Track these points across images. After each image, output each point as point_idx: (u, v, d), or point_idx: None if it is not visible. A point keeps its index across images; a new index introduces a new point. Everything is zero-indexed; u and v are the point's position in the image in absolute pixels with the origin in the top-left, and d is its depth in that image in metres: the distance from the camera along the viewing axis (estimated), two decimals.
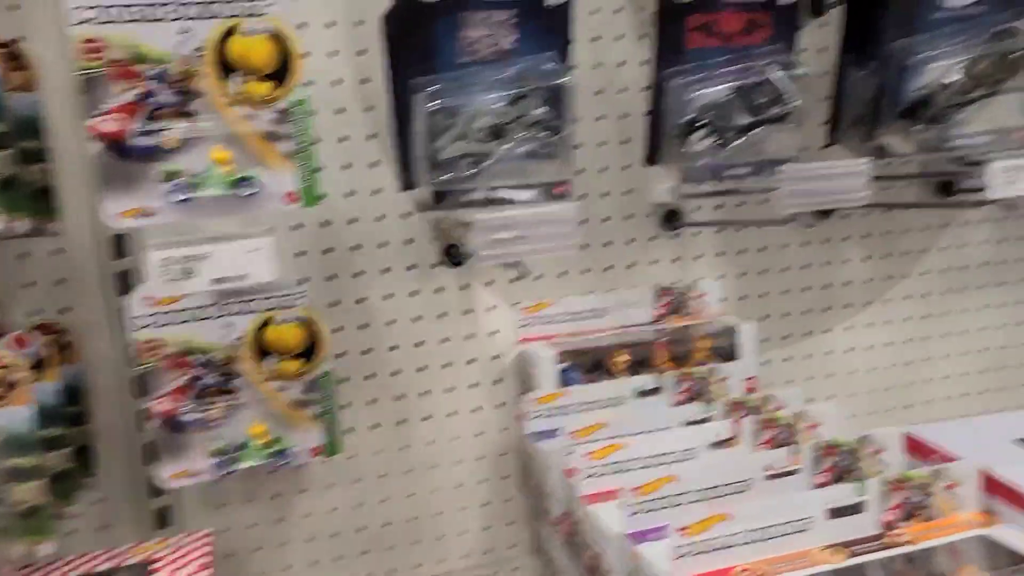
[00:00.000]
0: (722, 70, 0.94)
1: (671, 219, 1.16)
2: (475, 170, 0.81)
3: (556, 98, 0.82)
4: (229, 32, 0.73)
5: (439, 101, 0.79)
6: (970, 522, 0.72)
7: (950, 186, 1.26)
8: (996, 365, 1.35)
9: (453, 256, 1.05)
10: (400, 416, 1.11)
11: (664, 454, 0.89)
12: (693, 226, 1.17)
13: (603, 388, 1.07)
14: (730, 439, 0.92)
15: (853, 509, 0.71)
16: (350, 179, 1.04)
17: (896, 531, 0.72)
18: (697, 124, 0.94)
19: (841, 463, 0.81)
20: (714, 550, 0.68)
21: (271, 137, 0.76)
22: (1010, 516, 0.73)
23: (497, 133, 0.81)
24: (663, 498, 0.76)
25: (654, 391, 1.08)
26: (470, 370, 1.14)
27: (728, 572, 0.67)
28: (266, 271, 0.75)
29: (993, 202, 0.89)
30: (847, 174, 0.84)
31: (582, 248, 1.15)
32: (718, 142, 0.94)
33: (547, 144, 0.83)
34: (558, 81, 0.82)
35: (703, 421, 0.98)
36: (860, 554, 0.69)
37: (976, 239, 1.31)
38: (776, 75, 0.94)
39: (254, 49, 0.74)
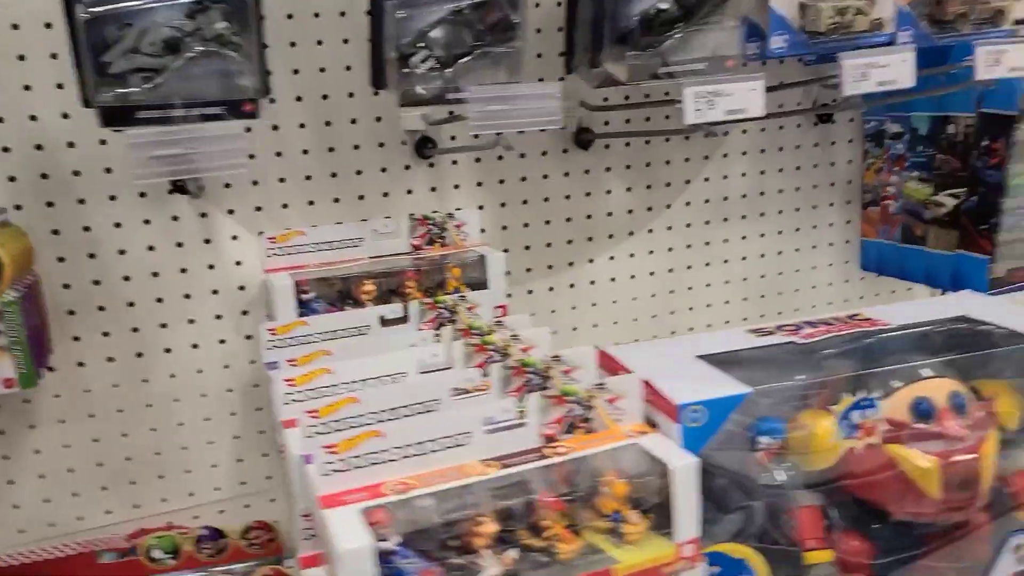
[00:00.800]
0: None
1: (423, 147, 1.15)
2: (149, 85, 0.77)
3: (239, 13, 0.79)
4: None
5: (103, 7, 0.74)
6: (628, 433, 0.75)
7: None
8: (756, 293, 1.41)
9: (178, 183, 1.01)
10: (137, 348, 1.08)
11: (371, 379, 0.89)
12: (446, 153, 1.17)
13: (344, 317, 1.06)
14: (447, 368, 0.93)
15: (515, 424, 0.73)
16: (66, 100, 0.98)
17: (555, 444, 0.74)
18: (415, 46, 0.93)
19: (532, 382, 0.83)
20: (366, 466, 0.69)
21: None
22: (665, 425, 0.76)
23: (172, 47, 0.77)
24: (338, 420, 0.76)
25: (400, 320, 1.08)
26: (214, 301, 1.11)
27: (378, 487, 0.68)
28: None
29: (694, 128, 0.91)
30: (537, 96, 0.84)
31: (332, 176, 1.13)
32: (437, 66, 0.93)
33: (235, 61, 0.79)
34: None
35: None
36: (513, 465, 0.71)
37: (736, 171, 1.35)
38: None
39: None
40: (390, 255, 1.16)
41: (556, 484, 0.72)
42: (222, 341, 1.12)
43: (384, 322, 1.08)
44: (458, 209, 1.20)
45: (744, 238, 1.38)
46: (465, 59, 0.93)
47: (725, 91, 0.89)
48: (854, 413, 0.81)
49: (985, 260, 1.21)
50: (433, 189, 1.18)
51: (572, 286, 1.29)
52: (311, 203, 1.12)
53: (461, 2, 0.92)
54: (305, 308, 1.08)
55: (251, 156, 1.08)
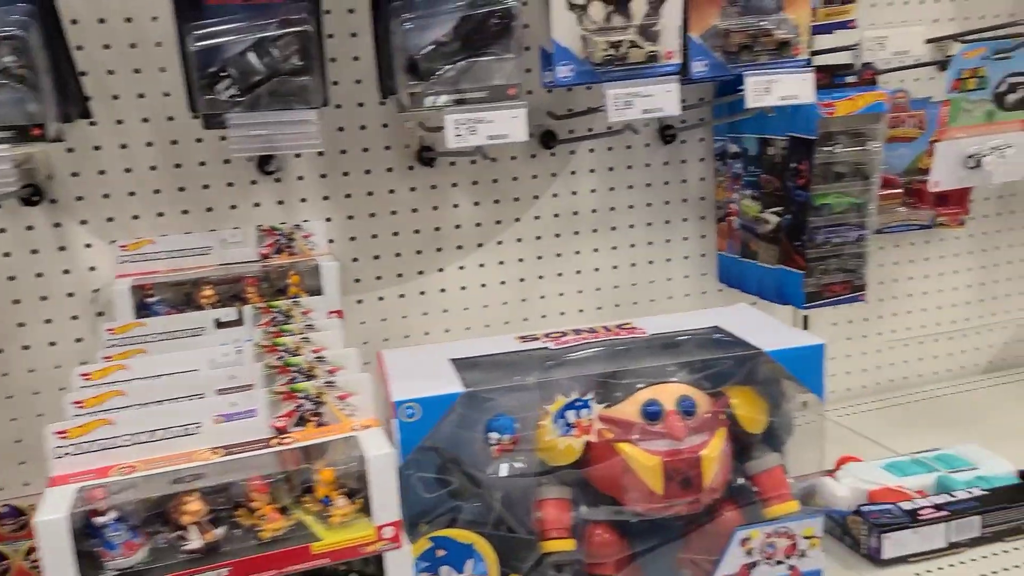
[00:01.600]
0: (243, 24, 1.02)
1: (265, 163, 1.25)
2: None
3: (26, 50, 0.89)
4: None
5: None
6: (354, 427, 0.84)
7: (552, 136, 1.38)
8: (611, 303, 1.49)
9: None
10: None
11: (161, 375, 0.98)
12: (278, 170, 1.27)
13: (180, 320, 1.15)
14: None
15: (246, 415, 0.83)
16: None
17: (284, 435, 0.83)
18: (221, 75, 1.02)
19: (296, 379, 0.93)
20: (98, 451, 0.78)
21: None
22: (392, 421, 0.85)
23: None
24: (95, 411, 0.85)
25: (235, 323, 1.18)
26: (70, 303, 1.22)
27: (107, 470, 0.78)
28: None
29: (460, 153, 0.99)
30: (295, 122, 0.94)
31: (179, 190, 1.24)
32: (238, 93, 1.02)
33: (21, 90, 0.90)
34: None
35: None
36: (236, 453, 0.80)
37: (585, 187, 1.43)
38: (299, 29, 1.02)
39: None
40: (237, 263, 1.26)
41: (275, 470, 0.81)
42: (78, 340, 1.23)
43: (219, 324, 1.18)
44: (305, 221, 1.29)
45: (596, 250, 1.46)
46: (262, 87, 1.03)
47: (487, 118, 0.97)
48: (568, 412, 0.89)
49: (800, 275, 1.28)
50: (280, 202, 1.28)
51: (423, 293, 1.38)
52: (160, 215, 1.23)
53: (263, 34, 1.02)
54: (148, 311, 1.18)
55: (101, 172, 1.19)
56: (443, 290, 1.39)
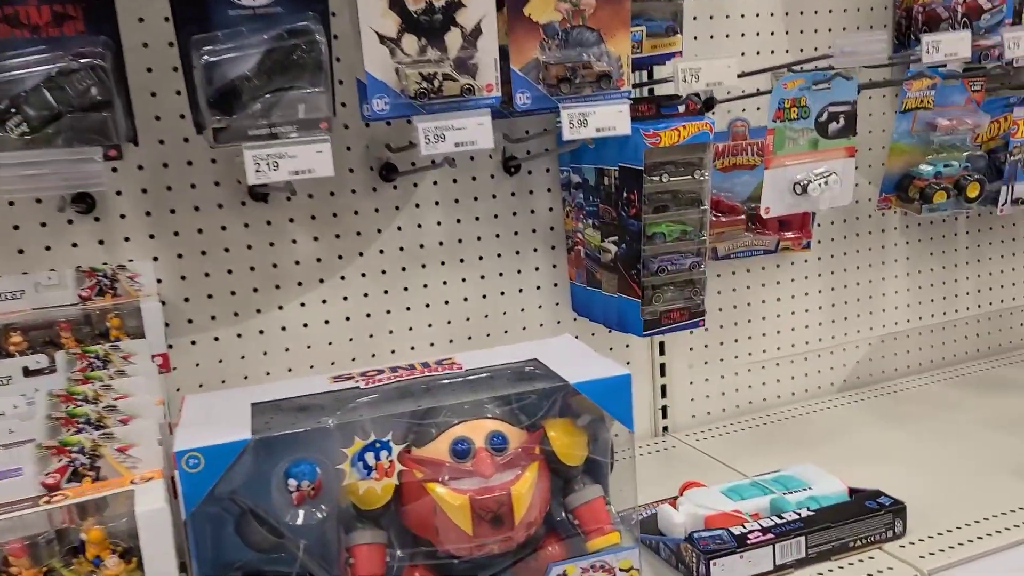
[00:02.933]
0: (30, 58, 0.98)
1: (82, 201, 1.20)
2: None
3: None
4: None
5: None
6: (134, 481, 0.80)
7: (391, 168, 1.36)
8: (463, 335, 1.47)
9: None
10: None
11: None
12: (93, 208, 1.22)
13: None
14: None
15: (11, 473, 0.78)
16: None
17: (55, 492, 0.78)
18: (11, 111, 0.98)
19: (82, 430, 0.88)
20: None
21: None
22: None
23: None
24: None
25: (47, 370, 1.12)
26: None
27: None
28: None
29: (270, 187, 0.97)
30: (73, 161, 0.90)
31: None
32: (29, 129, 0.98)
33: None
34: None
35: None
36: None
37: (430, 220, 1.42)
38: (94, 62, 0.99)
39: None
40: (52, 307, 1.20)
41: (42, 530, 0.76)
42: None
43: (27, 372, 1.12)
44: (130, 261, 1.24)
45: (445, 283, 1.45)
46: (58, 123, 0.99)
47: (289, 153, 0.95)
48: (367, 455, 0.87)
49: (637, 303, 1.29)
50: (101, 242, 1.23)
51: (262, 332, 1.35)
52: None
53: (56, 66, 0.98)
54: None
55: None
56: (284, 328, 1.36)
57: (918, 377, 1.83)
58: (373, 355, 1.42)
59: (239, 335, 1.33)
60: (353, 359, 1.41)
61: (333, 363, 1.40)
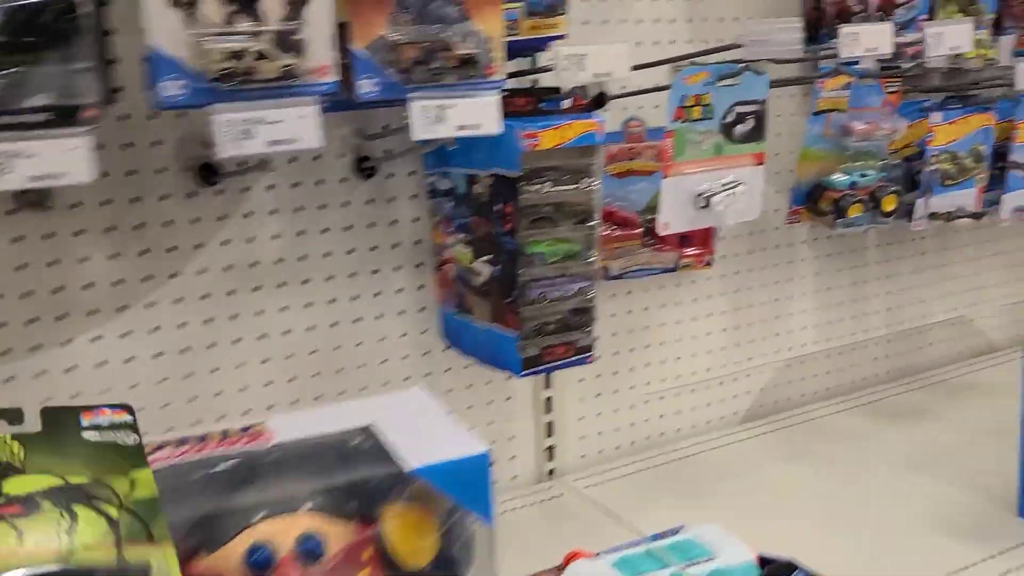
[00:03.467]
0: None
1: None
2: None
3: None
4: None
5: None
6: None
7: (211, 169, 1.11)
8: (308, 372, 1.23)
9: None
10: None
11: None
12: None
13: None
14: None
15: None
16: None
17: None
18: None
19: None
20: None
21: None
22: None
23: None
24: None
25: None
26: None
27: None
28: None
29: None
30: None
31: None
32: None
33: None
34: None
35: None
36: None
37: (266, 233, 1.17)
38: None
39: None
40: None
41: None
42: None
43: None
44: None
45: (285, 309, 1.20)
46: None
47: (26, 151, 0.70)
48: None
49: (514, 337, 1.08)
50: None
51: (43, 373, 1.07)
52: None
53: None
54: None
55: None
56: (74, 367, 1.08)
57: (826, 404, 1.69)
58: (193, 399, 1.16)
59: (9, 379, 1.05)
60: (165, 405, 1.15)
61: (142, 409, 1.13)
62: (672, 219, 1.15)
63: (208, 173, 1.11)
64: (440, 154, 1.16)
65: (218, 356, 1.17)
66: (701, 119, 1.14)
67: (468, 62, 0.94)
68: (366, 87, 0.92)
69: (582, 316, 1.11)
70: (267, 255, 1.18)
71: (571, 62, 0.95)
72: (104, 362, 1.10)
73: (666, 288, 1.50)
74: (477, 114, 0.89)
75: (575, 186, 1.06)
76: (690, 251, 1.40)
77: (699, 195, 1.15)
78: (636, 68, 1.09)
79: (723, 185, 1.16)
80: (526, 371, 1.09)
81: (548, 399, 1.43)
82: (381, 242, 1.25)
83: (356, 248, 1.24)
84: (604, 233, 1.31)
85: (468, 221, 1.13)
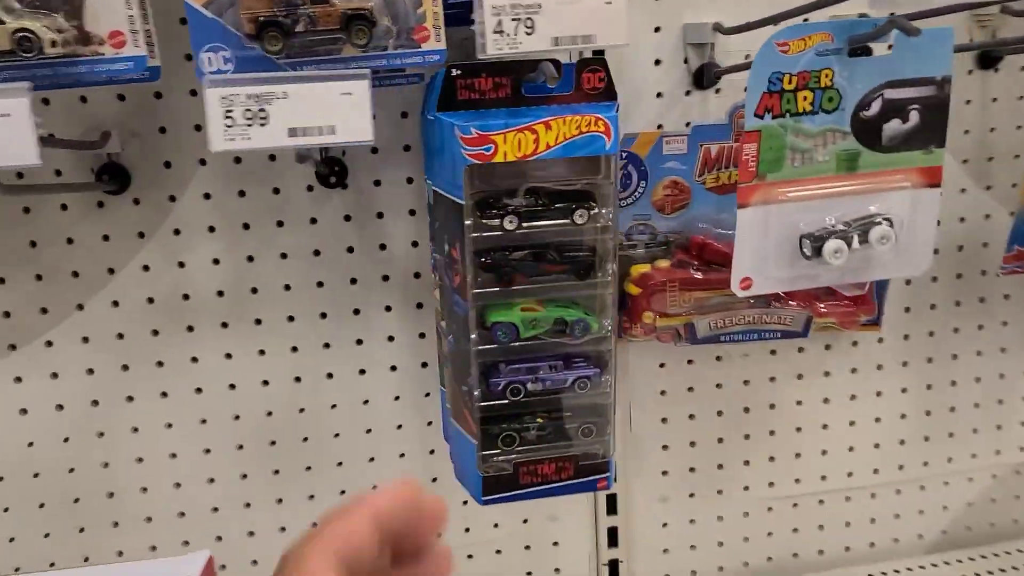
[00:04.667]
0: None
1: None
2: None
3: None
4: None
5: None
6: None
7: (118, 171, 0.85)
8: (263, 439, 0.95)
9: None
10: None
11: None
12: None
13: None
14: None
15: None
16: None
17: None
18: None
19: None
20: None
21: None
22: None
23: None
24: None
25: None
26: None
27: None
28: None
29: None
30: None
31: None
32: None
33: None
34: None
35: None
36: None
37: (203, 256, 0.90)
38: None
39: None
40: None
41: None
42: None
43: None
44: None
45: (228, 357, 0.92)
46: None
47: None
48: None
49: (471, 444, 0.71)
50: None
51: None
52: None
53: None
54: None
55: None
56: None
57: None
58: (107, 463, 0.92)
59: None
60: (71, 469, 0.92)
61: (36, 475, 0.91)
62: (757, 274, 0.72)
63: (112, 175, 0.85)
64: (428, 157, 0.81)
65: (139, 413, 0.92)
66: (813, 111, 0.68)
67: (358, 20, 0.58)
68: (212, 62, 0.60)
69: (587, 418, 0.72)
70: (203, 286, 0.91)
71: (510, 16, 0.55)
72: None
73: (807, 352, 1.04)
74: (327, 110, 0.53)
75: (566, 220, 0.66)
76: (834, 305, 0.93)
77: (806, 238, 0.70)
78: (738, 30, 0.66)
79: (854, 223, 0.70)
80: (488, 497, 0.72)
81: (612, 496, 1.04)
82: (364, 274, 0.93)
83: (327, 280, 0.93)
84: (688, 275, 0.89)
85: (434, 260, 0.77)
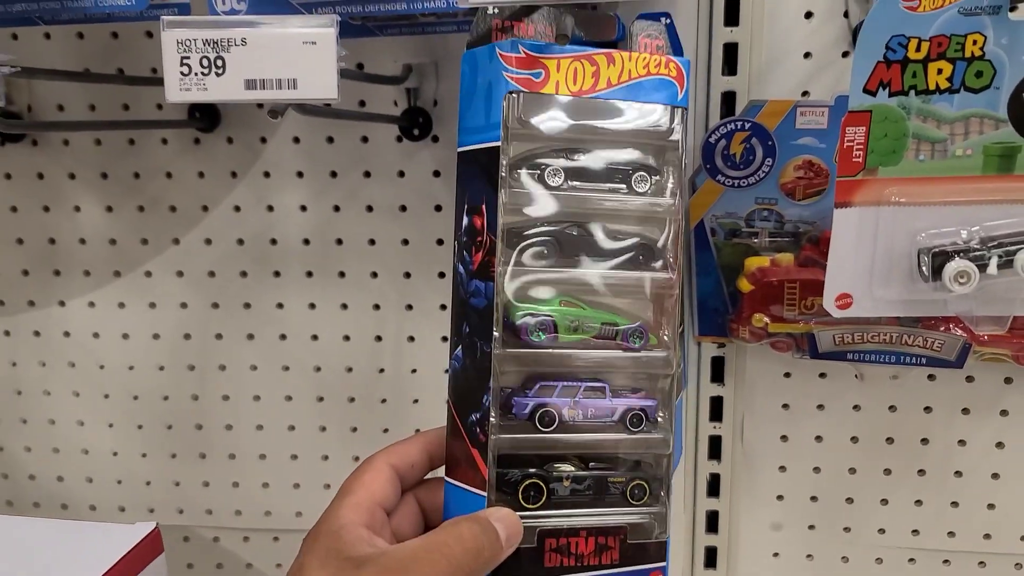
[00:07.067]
0: None
1: None
2: None
3: None
4: None
5: None
6: None
7: (211, 112, 0.86)
8: (342, 394, 0.95)
9: None
10: None
11: None
12: None
13: None
14: None
15: None
16: None
17: None
18: None
19: None
20: None
21: None
22: None
23: None
24: None
25: None
26: None
27: None
28: None
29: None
30: None
31: None
32: None
33: None
34: None
35: None
36: None
37: (290, 202, 0.89)
38: None
39: None
40: None
41: None
42: None
43: None
44: None
45: (312, 307, 0.92)
46: None
47: None
48: None
49: (479, 499, 0.64)
50: None
51: (37, 335, 0.96)
52: None
53: None
54: None
55: None
56: (67, 334, 0.96)
57: None
58: (197, 396, 0.96)
59: (6, 332, 0.97)
60: (165, 397, 0.97)
61: (136, 397, 0.97)
62: (858, 291, 0.58)
63: (212, 116, 0.86)
64: None
65: (226, 351, 0.95)
66: (952, 89, 0.53)
67: None
68: (225, 2, 0.57)
69: (635, 472, 0.61)
70: (291, 232, 0.90)
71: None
72: (97, 334, 0.95)
73: (979, 383, 0.85)
74: (289, 61, 0.48)
75: (623, 184, 0.56)
76: (993, 333, 0.75)
77: (924, 254, 0.56)
78: None
79: (996, 241, 0.54)
80: None
81: (713, 513, 0.94)
82: (452, 234, 0.88)
83: (413, 239, 0.89)
84: (813, 276, 0.76)
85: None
